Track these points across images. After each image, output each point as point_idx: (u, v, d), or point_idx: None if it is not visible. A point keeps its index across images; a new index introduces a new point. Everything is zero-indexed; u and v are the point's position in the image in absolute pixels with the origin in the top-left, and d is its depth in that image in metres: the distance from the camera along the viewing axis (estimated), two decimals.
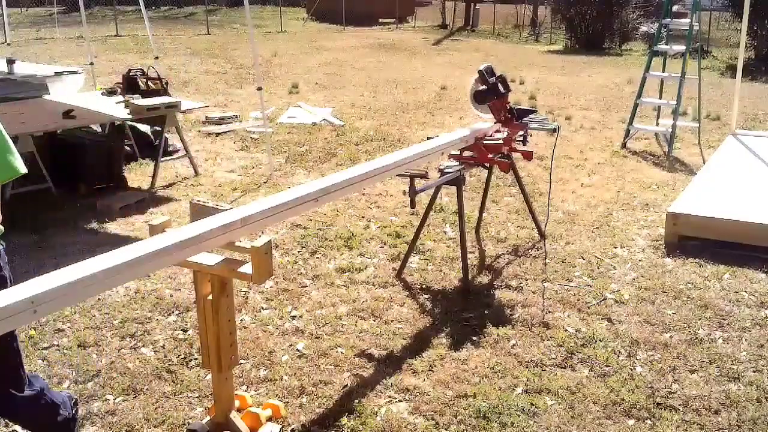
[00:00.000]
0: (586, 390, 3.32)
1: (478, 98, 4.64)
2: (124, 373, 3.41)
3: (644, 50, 19.22)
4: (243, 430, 2.85)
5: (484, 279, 4.56)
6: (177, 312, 4.04)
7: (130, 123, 7.06)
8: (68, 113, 6.04)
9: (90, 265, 2.09)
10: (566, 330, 3.88)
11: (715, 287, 4.42)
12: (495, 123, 4.75)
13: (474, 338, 3.77)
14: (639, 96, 8.37)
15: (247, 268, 2.53)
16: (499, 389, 3.31)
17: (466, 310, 4.09)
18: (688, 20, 8.30)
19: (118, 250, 2.20)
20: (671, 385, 3.37)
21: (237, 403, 3.01)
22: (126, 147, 7.04)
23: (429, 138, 4.35)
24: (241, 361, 3.49)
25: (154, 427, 3.03)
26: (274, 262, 4.24)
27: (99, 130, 7.06)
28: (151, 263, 2.26)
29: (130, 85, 7.27)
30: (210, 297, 2.68)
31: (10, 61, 7.21)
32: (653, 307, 4.17)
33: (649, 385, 3.36)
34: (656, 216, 5.76)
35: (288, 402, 3.20)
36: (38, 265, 4.51)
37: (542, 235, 5.21)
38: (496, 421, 3.08)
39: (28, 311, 1.89)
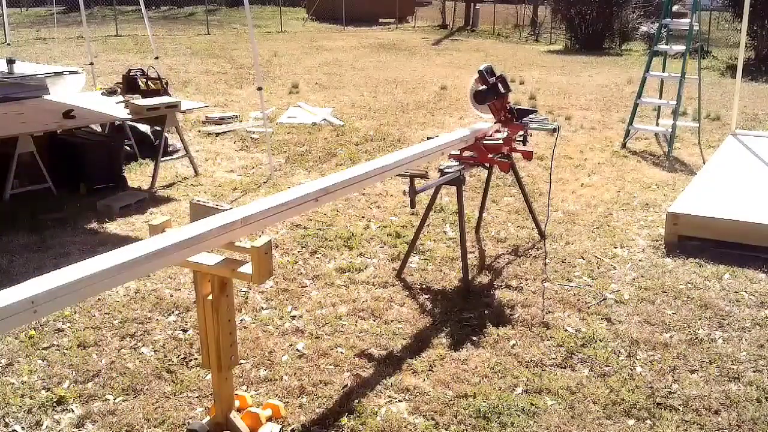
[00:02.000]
0: (586, 390, 3.32)
1: (478, 98, 4.64)
2: (124, 373, 3.41)
3: (644, 50, 19.22)
4: (243, 430, 2.85)
5: (484, 279, 4.57)
6: (177, 312, 4.04)
7: (130, 123, 7.06)
8: (68, 113, 6.05)
9: (90, 265, 2.09)
10: (566, 330, 3.88)
11: (715, 287, 4.42)
12: (495, 123, 4.76)
13: (474, 338, 3.77)
14: (639, 96, 8.37)
15: (247, 268, 2.53)
16: (499, 389, 3.32)
17: (466, 310, 4.09)
18: (688, 20, 8.30)
19: (118, 250, 2.20)
20: (671, 385, 3.37)
21: (237, 403, 3.01)
22: (126, 147, 7.05)
23: (429, 138, 4.35)
24: (241, 361, 3.49)
25: (154, 427, 3.03)
26: (274, 262, 4.25)
27: (99, 130, 7.07)
28: (151, 263, 2.26)
29: (130, 85, 7.27)
30: (210, 297, 2.68)
31: (10, 61, 7.22)
32: (653, 307, 4.17)
33: (649, 385, 3.37)
34: (656, 216, 5.76)
35: (288, 402, 3.20)
36: (38, 265, 4.52)
37: (542, 235, 5.21)
38: (496, 421, 3.08)
39: (28, 311, 1.89)
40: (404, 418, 3.10)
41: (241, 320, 3.93)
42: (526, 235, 5.30)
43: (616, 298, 4.30)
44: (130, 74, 7.42)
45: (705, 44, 18.18)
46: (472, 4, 28.90)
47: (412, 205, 4.22)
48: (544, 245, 5.05)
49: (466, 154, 4.50)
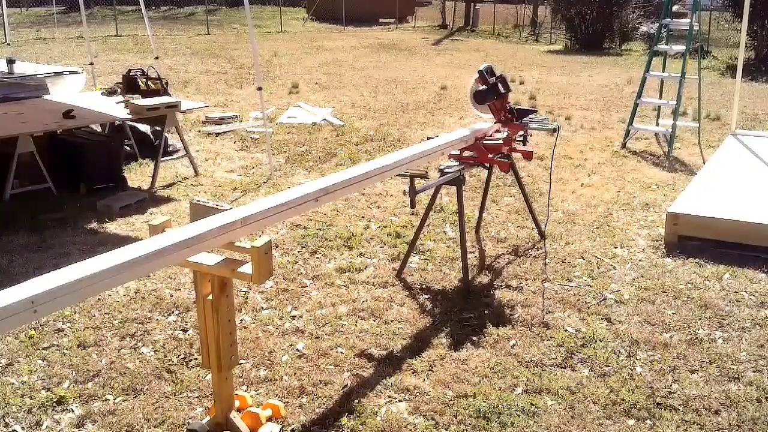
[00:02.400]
0: (586, 390, 3.32)
1: (478, 98, 4.64)
2: (124, 373, 3.41)
3: (644, 50, 19.22)
4: (243, 430, 2.85)
5: (484, 279, 4.56)
6: (177, 312, 4.04)
7: (130, 123, 7.06)
8: (68, 113, 6.05)
9: (90, 265, 2.09)
10: (566, 330, 3.88)
11: (715, 287, 4.42)
12: (495, 123, 4.76)
13: (474, 338, 3.77)
14: (639, 96, 8.37)
15: (247, 268, 2.53)
16: (499, 389, 3.32)
17: (466, 310, 4.09)
18: (688, 20, 8.30)
19: (118, 250, 2.20)
20: (671, 385, 3.37)
21: (237, 403, 3.01)
22: (126, 147, 7.05)
23: (429, 138, 4.35)
24: (241, 361, 3.49)
25: (154, 427, 3.03)
26: (274, 262, 4.24)
27: (99, 130, 7.07)
28: (151, 263, 2.26)
29: (130, 85, 7.27)
30: (210, 297, 2.68)
31: (10, 61, 7.21)
32: (653, 307, 4.17)
33: (649, 385, 3.37)
34: (656, 216, 5.76)
35: (288, 402, 3.20)
36: (38, 265, 4.52)
37: (542, 235, 5.21)
38: (496, 421, 3.08)
39: (28, 311, 1.89)
40: (404, 418, 3.10)
41: (241, 320, 3.93)
42: (526, 235, 5.30)
43: (616, 298, 4.30)
44: (130, 74, 7.41)
45: (705, 44, 18.18)
46: (472, 4, 28.90)
47: (412, 205, 4.22)
48: (544, 245, 5.05)
49: (466, 154, 4.49)
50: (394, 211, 5.80)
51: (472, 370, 3.47)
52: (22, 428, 3.02)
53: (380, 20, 29.69)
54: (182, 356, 3.58)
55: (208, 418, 2.94)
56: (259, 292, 4.28)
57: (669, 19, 8.42)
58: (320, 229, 5.33)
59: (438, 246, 5.05)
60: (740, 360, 3.59)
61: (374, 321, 3.97)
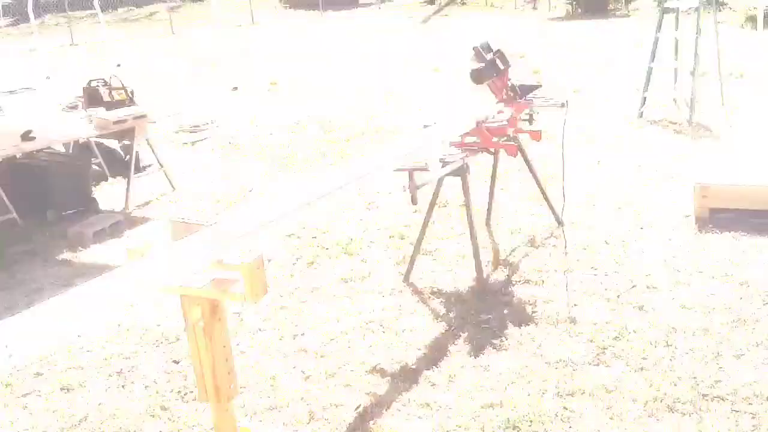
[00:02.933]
0: (624, 387, 3.32)
1: (476, 77, 4.64)
2: (114, 415, 3.41)
3: (654, 8, 19.21)
4: None
5: (500, 276, 4.57)
6: (166, 342, 4.04)
7: (96, 139, 7.06)
8: (27, 135, 6.04)
9: (66, 299, 2.09)
10: (595, 323, 3.88)
11: (756, 262, 4.42)
12: (497, 103, 4.75)
13: (495, 342, 3.77)
14: (652, 59, 8.36)
15: (239, 287, 2.53)
16: (528, 395, 3.32)
17: (483, 312, 4.09)
18: None
19: (96, 280, 2.20)
20: (716, 374, 3.37)
21: None
22: (94, 166, 7.04)
23: (425, 126, 4.35)
24: (242, 389, 3.49)
25: None
26: (268, 277, 4.24)
27: (63, 150, 7.07)
28: (132, 292, 2.25)
29: (92, 97, 7.26)
30: (201, 323, 2.67)
31: None
32: (689, 289, 4.17)
33: (693, 376, 3.37)
34: (683, 189, 5.75)
35: (297, 430, 3.20)
36: (9, 305, 4.51)
37: (560, 222, 5.21)
38: (527, 430, 3.08)
39: (2, 356, 1.89)
40: None
41: (237, 345, 3.93)
42: (542, 223, 5.31)
43: (647, 283, 4.29)
44: (91, 85, 7.41)
45: None
46: None
47: (414, 201, 4.21)
48: (563, 232, 5.05)
49: (468, 140, 4.49)
50: (395, 211, 5.80)
51: (496, 377, 3.47)
52: None
53: (360, 1, 29.67)
54: (176, 390, 3.58)
55: None
56: (255, 312, 4.28)
57: None
58: (315, 237, 5.33)
59: (446, 244, 5.05)
60: None
61: (384, 333, 3.97)
